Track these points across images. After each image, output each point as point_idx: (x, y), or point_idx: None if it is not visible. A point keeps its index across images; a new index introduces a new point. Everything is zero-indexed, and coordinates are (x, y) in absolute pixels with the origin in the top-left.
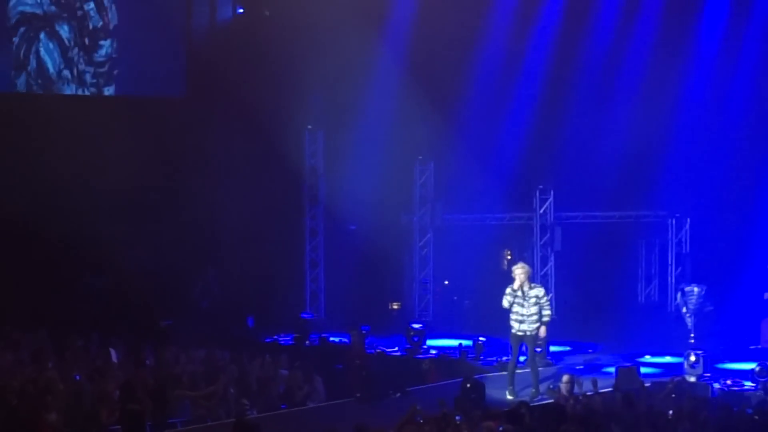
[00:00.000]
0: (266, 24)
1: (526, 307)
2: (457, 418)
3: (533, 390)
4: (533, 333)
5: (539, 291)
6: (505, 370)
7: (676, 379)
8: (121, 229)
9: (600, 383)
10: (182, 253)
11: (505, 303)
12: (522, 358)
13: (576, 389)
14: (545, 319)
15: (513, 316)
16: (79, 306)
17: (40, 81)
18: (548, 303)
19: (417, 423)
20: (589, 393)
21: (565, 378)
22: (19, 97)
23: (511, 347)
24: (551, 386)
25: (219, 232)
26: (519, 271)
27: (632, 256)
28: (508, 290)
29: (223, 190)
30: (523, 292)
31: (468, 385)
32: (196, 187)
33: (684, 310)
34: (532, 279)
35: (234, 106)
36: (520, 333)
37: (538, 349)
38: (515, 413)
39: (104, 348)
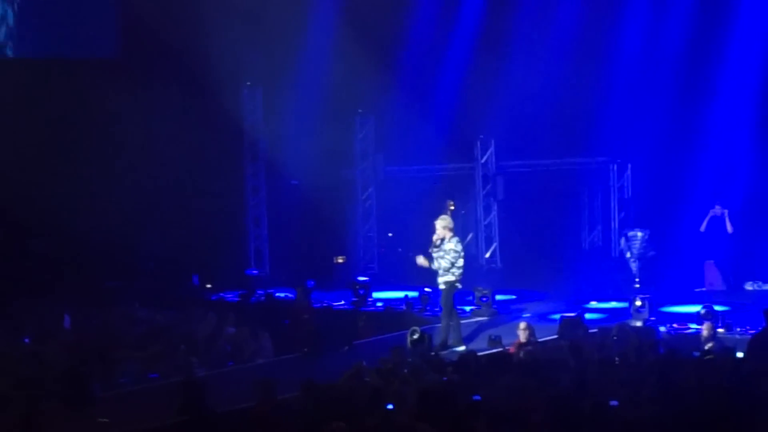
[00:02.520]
0: None
1: (437, 260)
2: (404, 370)
3: (447, 341)
4: (445, 286)
5: (452, 245)
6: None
7: (620, 324)
8: (60, 191)
9: (545, 331)
10: (125, 214)
11: (434, 255)
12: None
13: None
14: (441, 278)
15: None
16: (21, 269)
17: None
18: (451, 260)
19: (363, 377)
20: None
21: (522, 325)
22: None
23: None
24: (492, 337)
25: (161, 192)
26: (438, 224)
27: (575, 203)
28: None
29: (163, 151)
30: (437, 245)
31: (415, 337)
32: (135, 148)
33: (628, 255)
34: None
35: (170, 65)
36: (441, 287)
37: (485, 299)
38: (462, 363)
39: (52, 311)
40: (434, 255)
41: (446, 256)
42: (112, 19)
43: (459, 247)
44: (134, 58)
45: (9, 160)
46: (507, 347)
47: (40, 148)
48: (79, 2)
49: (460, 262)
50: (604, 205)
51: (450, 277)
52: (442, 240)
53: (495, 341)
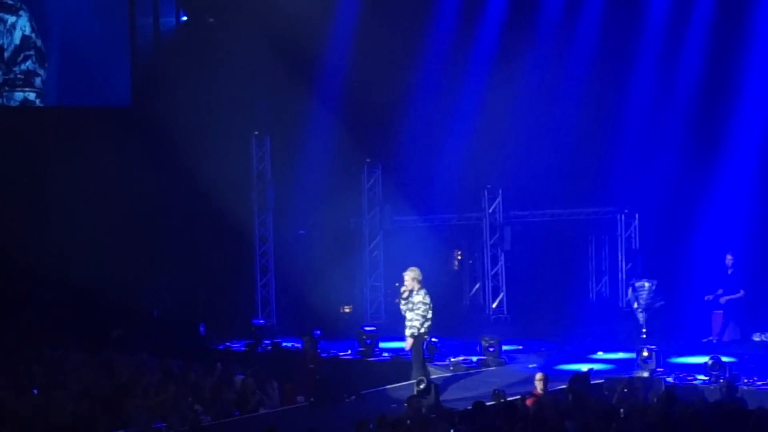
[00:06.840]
0: (210, 31)
1: (406, 312)
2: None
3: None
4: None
5: (420, 297)
6: (458, 371)
7: (630, 376)
8: (66, 239)
9: (552, 382)
10: (131, 262)
11: (401, 308)
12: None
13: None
14: (410, 330)
15: None
16: (27, 318)
17: None
18: (422, 314)
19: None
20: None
21: (539, 375)
22: None
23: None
24: (497, 391)
25: (168, 241)
26: (406, 275)
27: (582, 253)
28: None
29: (171, 198)
30: (405, 298)
31: (421, 387)
32: (144, 196)
33: (635, 305)
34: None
35: (179, 113)
36: (409, 339)
37: (491, 349)
38: (470, 414)
39: (59, 360)
40: (402, 307)
41: (415, 309)
42: (125, 67)
43: (427, 299)
44: (144, 107)
45: (14, 208)
46: (524, 396)
47: (45, 196)
48: (95, 54)
49: (430, 314)
50: (611, 255)
51: (421, 329)
52: (411, 292)
53: (499, 395)
